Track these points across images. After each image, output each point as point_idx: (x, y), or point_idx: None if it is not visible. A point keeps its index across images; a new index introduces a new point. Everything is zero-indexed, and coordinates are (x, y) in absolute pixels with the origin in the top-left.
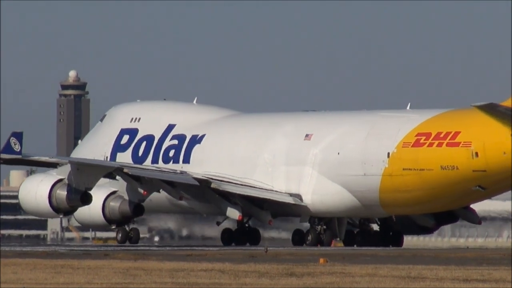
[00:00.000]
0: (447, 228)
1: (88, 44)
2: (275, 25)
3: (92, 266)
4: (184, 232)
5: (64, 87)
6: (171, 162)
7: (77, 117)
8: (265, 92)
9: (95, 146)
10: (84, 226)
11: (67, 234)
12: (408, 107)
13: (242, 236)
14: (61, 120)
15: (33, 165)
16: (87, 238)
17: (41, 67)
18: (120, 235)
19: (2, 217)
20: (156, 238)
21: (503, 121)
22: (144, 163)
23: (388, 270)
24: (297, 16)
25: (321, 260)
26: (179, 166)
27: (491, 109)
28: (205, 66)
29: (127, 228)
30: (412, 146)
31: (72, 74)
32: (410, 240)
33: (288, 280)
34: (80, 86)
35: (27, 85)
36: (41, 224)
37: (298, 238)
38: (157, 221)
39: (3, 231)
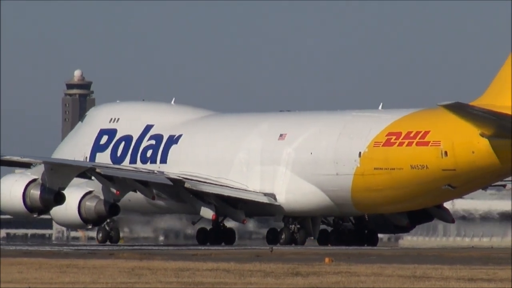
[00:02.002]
0: (452, 227)
1: (93, 43)
2: (251, 26)
3: (98, 265)
4: (190, 232)
5: (69, 86)
6: (149, 162)
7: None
8: (242, 93)
9: (75, 146)
10: (61, 226)
11: (73, 234)
12: (380, 107)
13: (217, 235)
14: (66, 119)
15: (5, 165)
16: (92, 238)
17: (46, 66)
18: (100, 234)
19: (7, 216)
20: (161, 238)
21: (470, 121)
22: (123, 164)
23: (393, 269)
24: (272, 17)
25: (327, 260)
26: (157, 166)
27: (457, 109)
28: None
29: (107, 228)
30: (383, 146)
31: (77, 73)
32: (415, 240)
33: (293, 279)
34: (85, 85)
35: (32, 85)
36: (46, 223)
37: (272, 237)
38: (162, 221)
39: (8, 231)
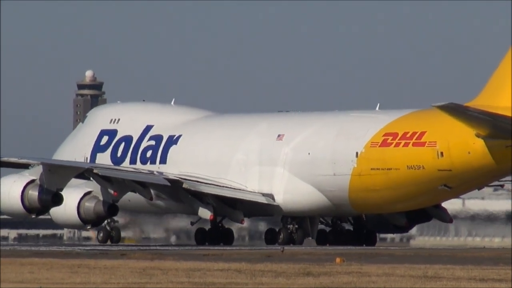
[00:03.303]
0: (464, 227)
1: (104, 44)
2: (251, 27)
3: (109, 265)
4: None
5: (81, 87)
6: (149, 162)
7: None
8: (241, 94)
9: (76, 147)
10: (60, 226)
11: (84, 234)
12: (377, 108)
13: (216, 236)
14: (78, 120)
15: (3, 167)
16: None
17: (57, 66)
18: (101, 234)
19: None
20: (173, 238)
21: (465, 121)
22: (123, 164)
23: (405, 269)
24: (270, 18)
25: (338, 260)
26: (156, 167)
27: (452, 110)
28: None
29: (108, 228)
30: (379, 146)
31: (88, 74)
32: (427, 240)
33: (304, 279)
34: (96, 86)
35: (44, 85)
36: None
37: (271, 237)
38: (173, 221)
39: (20, 231)
